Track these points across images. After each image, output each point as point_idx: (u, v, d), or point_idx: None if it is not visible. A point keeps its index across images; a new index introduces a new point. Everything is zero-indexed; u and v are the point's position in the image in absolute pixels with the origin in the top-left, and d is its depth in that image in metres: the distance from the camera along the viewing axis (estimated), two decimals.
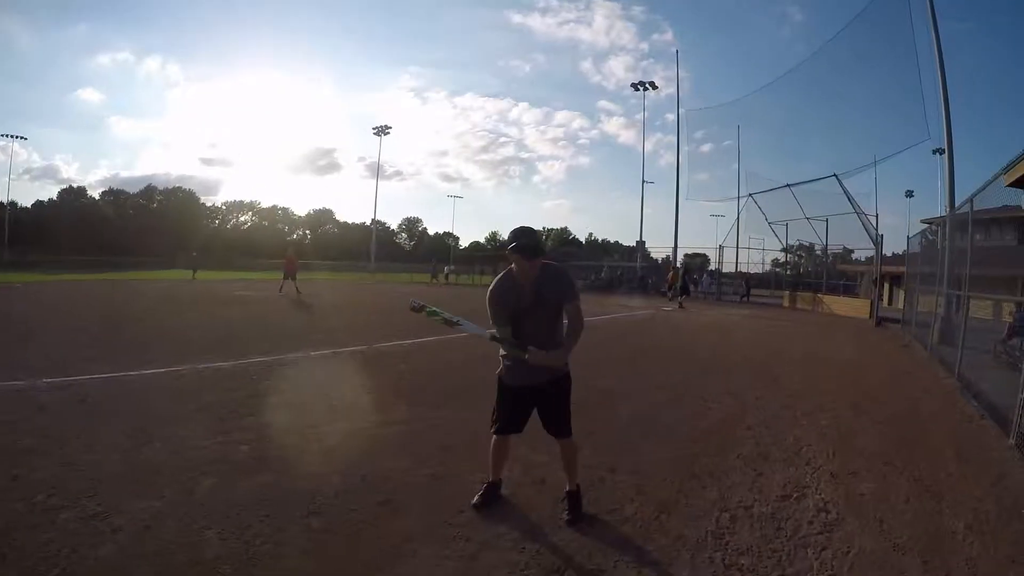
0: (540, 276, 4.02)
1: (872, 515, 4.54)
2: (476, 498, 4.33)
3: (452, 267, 56.28)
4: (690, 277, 30.11)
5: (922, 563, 3.82)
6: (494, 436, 4.35)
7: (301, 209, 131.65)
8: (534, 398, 4.21)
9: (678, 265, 37.66)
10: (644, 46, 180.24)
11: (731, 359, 12.36)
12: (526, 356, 3.95)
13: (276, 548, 3.59)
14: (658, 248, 55.94)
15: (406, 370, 9.61)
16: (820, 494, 4.93)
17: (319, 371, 9.06)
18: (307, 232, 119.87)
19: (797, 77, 38.74)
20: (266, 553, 3.52)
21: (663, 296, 32.05)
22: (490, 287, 4.10)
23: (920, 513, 4.63)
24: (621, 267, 49.00)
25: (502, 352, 4.20)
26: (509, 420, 4.27)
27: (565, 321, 4.23)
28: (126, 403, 6.69)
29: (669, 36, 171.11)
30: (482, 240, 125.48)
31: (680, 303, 27.64)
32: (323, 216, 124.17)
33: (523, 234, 3.92)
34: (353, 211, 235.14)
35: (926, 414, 7.96)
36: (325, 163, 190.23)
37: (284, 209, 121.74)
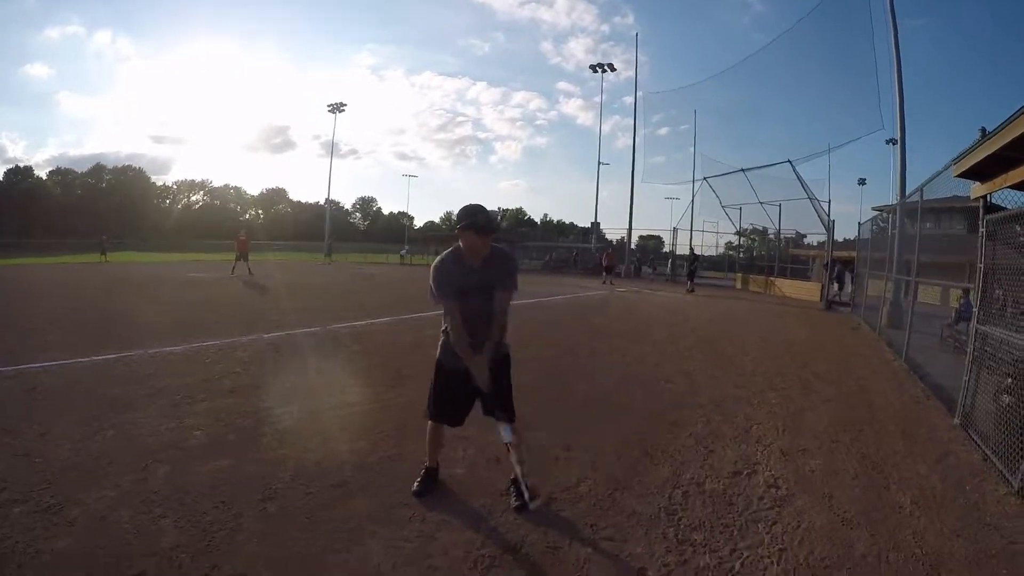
0: (489, 257, 3.93)
1: (821, 491, 4.63)
2: (416, 485, 4.27)
3: (407, 248, 55.81)
4: (698, 262, 30.71)
5: (870, 536, 3.90)
6: (430, 421, 4.27)
7: (254, 188, 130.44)
8: (473, 384, 4.06)
9: (684, 251, 38.01)
10: (605, 28, 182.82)
11: (684, 339, 12.45)
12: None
13: (233, 534, 3.54)
14: (613, 230, 56.20)
15: (359, 351, 9.51)
16: (770, 471, 5.01)
17: (273, 354, 8.86)
18: (260, 212, 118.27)
19: (755, 64, 39.16)
20: (223, 540, 3.47)
21: (615, 276, 32.36)
22: (435, 262, 4.00)
23: (868, 489, 4.73)
24: (576, 248, 49.20)
25: (442, 335, 4.13)
26: (445, 406, 4.17)
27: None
28: (77, 391, 6.46)
29: (630, 19, 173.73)
30: (437, 220, 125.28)
31: (690, 288, 28.17)
32: (276, 196, 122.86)
33: (478, 211, 3.84)
34: (307, 190, 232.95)
35: (874, 394, 8.12)
36: (279, 141, 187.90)
37: (236, 188, 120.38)
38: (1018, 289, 6.15)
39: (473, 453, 4.97)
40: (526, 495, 3.90)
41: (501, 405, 4.11)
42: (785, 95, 44.62)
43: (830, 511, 4.28)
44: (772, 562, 3.52)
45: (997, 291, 6.61)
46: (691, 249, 34.66)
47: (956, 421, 6.65)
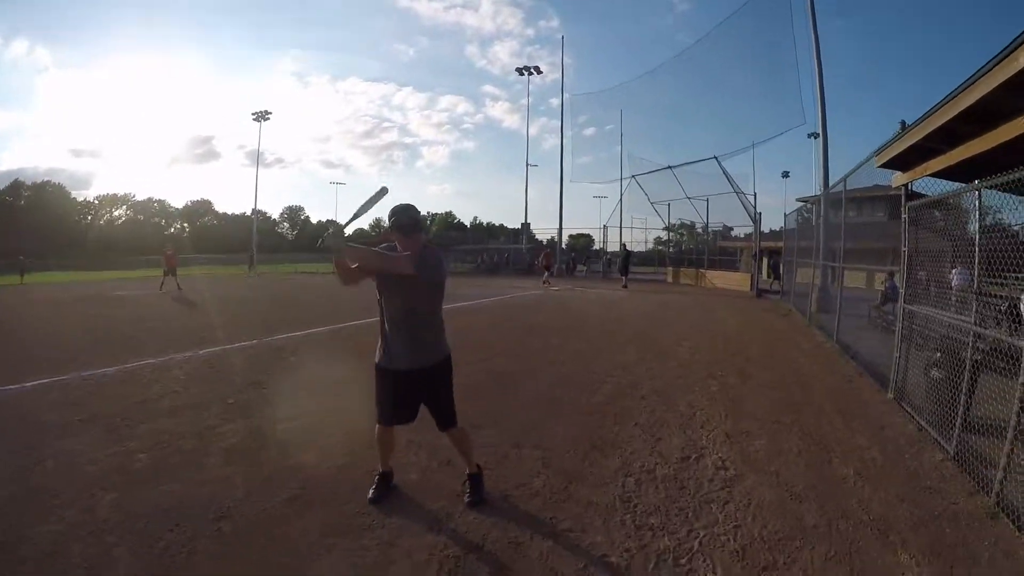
0: (420, 255, 3.85)
1: (768, 469, 4.78)
2: (371, 492, 4.25)
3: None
4: (630, 259, 31.02)
5: (819, 508, 4.05)
6: (377, 426, 4.21)
7: (178, 201, 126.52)
8: (415, 386, 4.06)
9: (614, 248, 38.78)
10: (530, 32, 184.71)
11: (621, 334, 12.57)
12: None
13: (190, 558, 3.43)
14: (543, 230, 56.39)
15: (299, 362, 9.33)
16: (717, 454, 5.13)
17: (210, 370, 8.60)
18: (185, 225, 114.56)
19: (680, 64, 40.09)
20: (181, 564, 3.36)
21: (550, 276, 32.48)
22: None
23: (812, 464, 4.90)
24: (508, 249, 49.38)
25: (379, 344, 4.07)
26: (387, 408, 4.10)
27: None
28: (9, 419, 6.10)
29: (555, 23, 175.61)
30: (366, 227, 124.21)
31: (625, 283, 28.36)
32: (202, 207, 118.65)
33: (401, 211, 3.85)
34: (234, 202, 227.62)
35: (809, 375, 8.39)
36: (203, 151, 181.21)
37: (160, 201, 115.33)
38: (940, 269, 6.44)
39: (425, 457, 4.95)
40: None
41: (441, 414, 4.13)
42: (710, 93, 45.76)
43: (778, 487, 4.41)
44: (729, 539, 3.61)
45: (920, 272, 6.89)
46: (623, 245, 35.23)
47: (889, 396, 6.92)
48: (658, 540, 3.60)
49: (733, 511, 4.00)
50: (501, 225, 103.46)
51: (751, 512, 3.99)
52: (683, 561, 3.37)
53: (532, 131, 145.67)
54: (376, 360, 4.09)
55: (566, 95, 48.38)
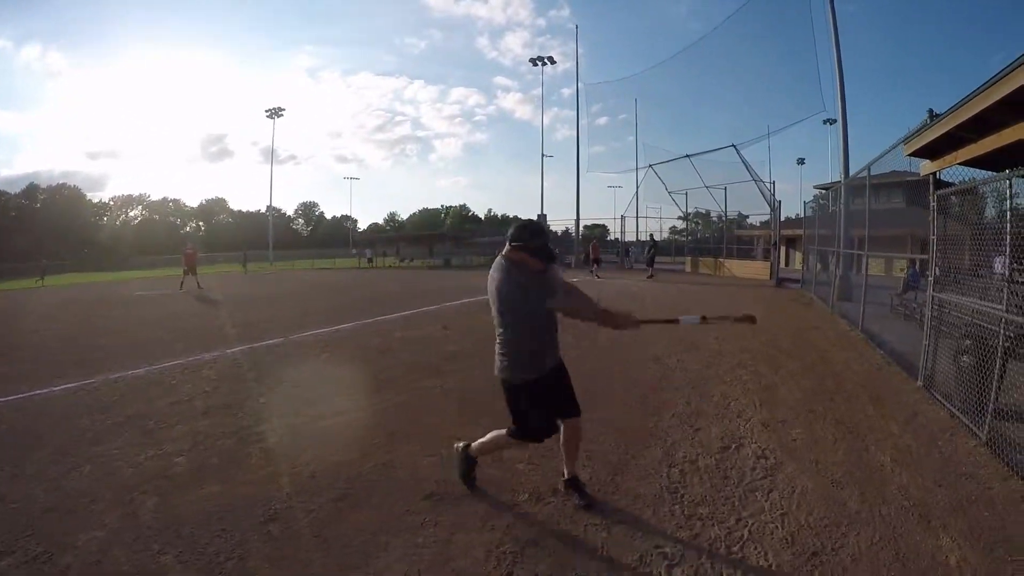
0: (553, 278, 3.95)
1: (807, 457, 4.91)
2: (463, 471, 4.37)
3: (370, 251, 55.19)
4: (656, 251, 31.02)
5: (860, 494, 4.18)
6: (511, 439, 4.09)
7: (193, 200, 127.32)
8: (549, 388, 4.00)
9: (631, 238, 39.27)
10: (541, 22, 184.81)
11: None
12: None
13: (242, 563, 3.43)
14: (559, 221, 56.21)
15: (329, 359, 9.47)
16: (756, 443, 5.26)
17: (240, 369, 8.72)
18: (200, 224, 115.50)
19: (695, 53, 39.76)
20: (233, 569, 3.37)
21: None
22: (511, 278, 3.79)
23: (849, 452, 5.02)
24: None
25: (499, 353, 3.91)
26: (544, 418, 4.00)
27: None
28: (42, 425, 6.14)
29: (566, 12, 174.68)
30: (380, 221, 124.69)
31: (651, 274, 28.57)
32: (216, 206, 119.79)
33: (533, 233, 3.79)
34: (248, 199, 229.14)
35: (838, 364, 8.45)
36: (216, 150, 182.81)
37: (175, 201, 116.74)
38: (972, 255, 6.48)
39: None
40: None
41: (572, 400, 4.16)
42: (726, 81, 45.49)
43: (819, 475, 4.54)
44: (777, 526, 3.75)
45: (945, 260, 6.93)
46: (651, 236, 35.30)
47: (919, 383, 7.00)
48: (708, 530, 3.73)
49: (778, 499, 4.13)
50: (515, 216, 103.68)
51: (795, 500, 4.12)
52: (735, 549, 3.50)
53: (545, 121, 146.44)
54: (508, 379, 3.93)
55: (580, 85, 48.18)
